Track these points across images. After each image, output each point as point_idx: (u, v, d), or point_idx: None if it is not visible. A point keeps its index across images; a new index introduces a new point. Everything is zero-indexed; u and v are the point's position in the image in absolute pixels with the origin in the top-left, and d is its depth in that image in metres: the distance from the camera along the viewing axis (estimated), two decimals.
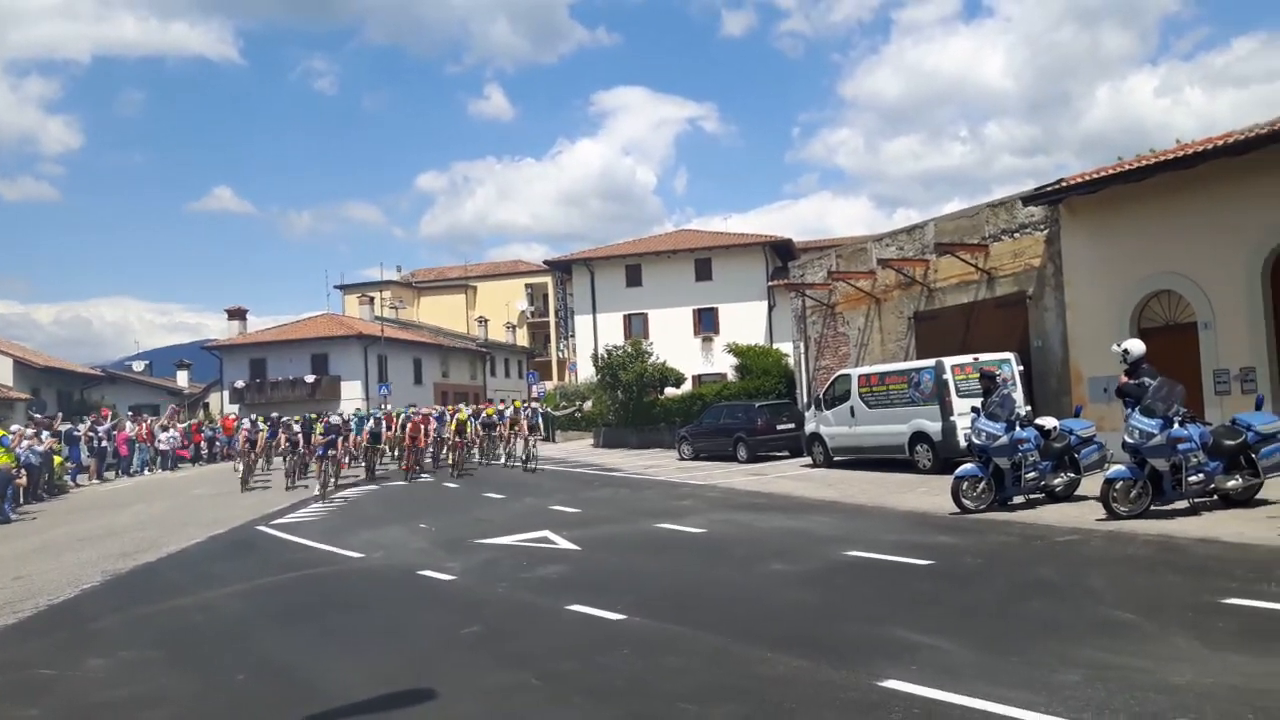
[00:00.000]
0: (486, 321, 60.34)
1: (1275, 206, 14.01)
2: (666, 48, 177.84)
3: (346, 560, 11.68)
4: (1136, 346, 11.34)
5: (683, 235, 46.69)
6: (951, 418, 16.73)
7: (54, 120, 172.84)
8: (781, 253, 41.30)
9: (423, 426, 24.40)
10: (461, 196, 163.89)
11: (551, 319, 63.30)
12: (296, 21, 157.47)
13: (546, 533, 12.55)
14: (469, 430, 25.51)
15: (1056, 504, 12.21)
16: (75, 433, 28.78)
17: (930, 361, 17.78)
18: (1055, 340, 18.08)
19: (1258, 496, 10.64)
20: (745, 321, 39.64)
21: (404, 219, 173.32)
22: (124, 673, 6.83)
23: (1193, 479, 10.23)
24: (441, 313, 61.51)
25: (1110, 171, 16.12)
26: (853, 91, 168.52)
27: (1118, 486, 10.62)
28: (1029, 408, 14.91)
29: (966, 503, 12.08)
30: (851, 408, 19.40)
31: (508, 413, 27.92)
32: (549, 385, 49.70)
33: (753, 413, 24.35)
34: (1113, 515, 10.52)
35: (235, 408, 43.66)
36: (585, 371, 40.89)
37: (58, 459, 25.53)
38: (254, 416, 26.10)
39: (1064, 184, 16.95)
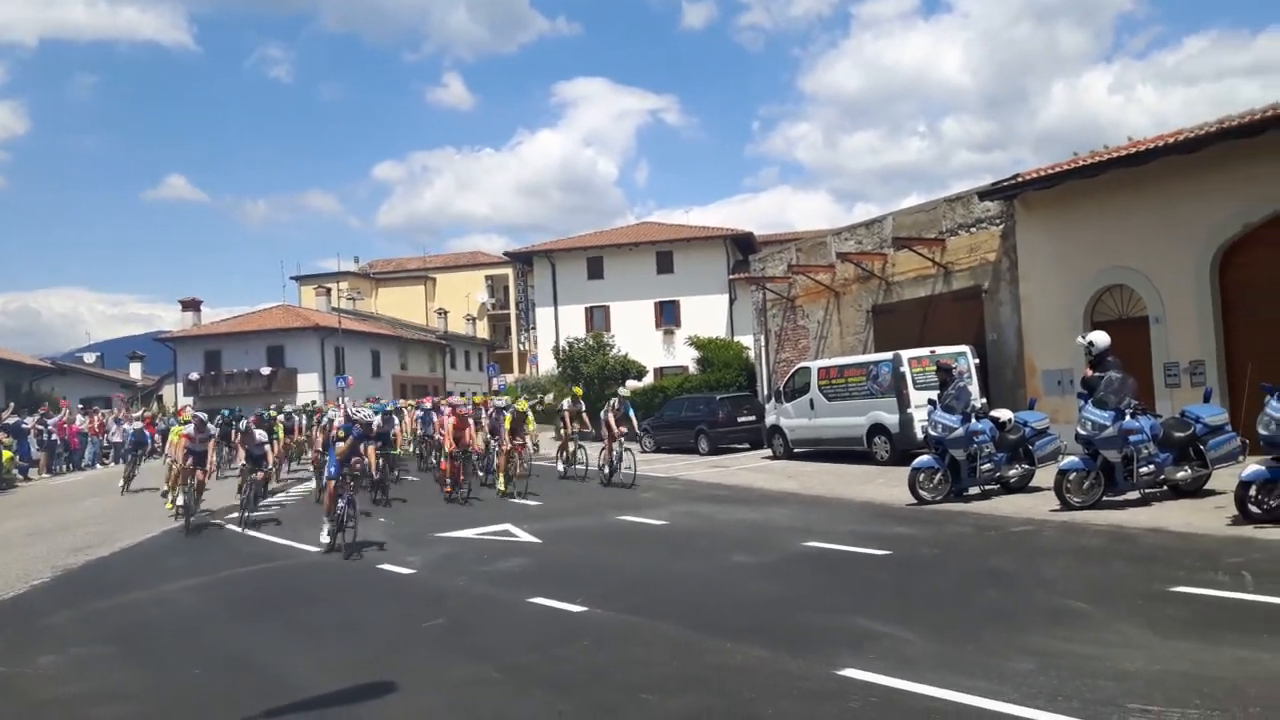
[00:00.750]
0: (446, 313, 59.93)
1: (1223, 203, 14.33)
2: (627, 39, 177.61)
3: (305, 554, 11.57)
4: (1101, 339, 11.55)
5: (644, 228, 46.71)
6: (909, 410, 16.92)
7: None
8: (742, 246, 41.46)
9: (469, 425, 17.27)
10: (420, 186, 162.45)
11: (512, 311, 63.16)
12: (251, 7, 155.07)
13: (507, 525, 12.52)
14: (527, 426, 17.91)
15: (1011, 495, 12.41)
16: (24, 425, 28.18)
17: (888, 355, 17.97)
18: (1010, 333, 18.35)
19: (1206, 487, 10.88)
20: (706, 314, 39.78)
21: (361, 209, 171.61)
22: (76, 669, 6.71)
23: (1144, 470, 10.44)
24: (400, 304, 61.01)
25: (1065, 168, 16.37)
26: (812, 86, 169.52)
27: (1071, 478, 10.82)
28: (984, 400, 15.12)
29: (923, 494, 12.23)
30: (811, 400, 19.54)
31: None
32: (510, 378, 49.52)
33: (714, 405, 24.44)
34: (1066, 506, 10.72)
35: (190, 400, 43.01)
36: (546, 364, 40.81)
37: (6, 454, 24.97)
38: (201, 415, 16.21)
39: (1019, 179, 17.19)
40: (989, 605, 6.82)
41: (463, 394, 30.15)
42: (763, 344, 26.70)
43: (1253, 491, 9.00)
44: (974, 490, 12.47)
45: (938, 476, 12.32)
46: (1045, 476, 12.10)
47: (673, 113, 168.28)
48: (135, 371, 53.53)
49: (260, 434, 15.81)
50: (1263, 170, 13.76)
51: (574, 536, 11.73)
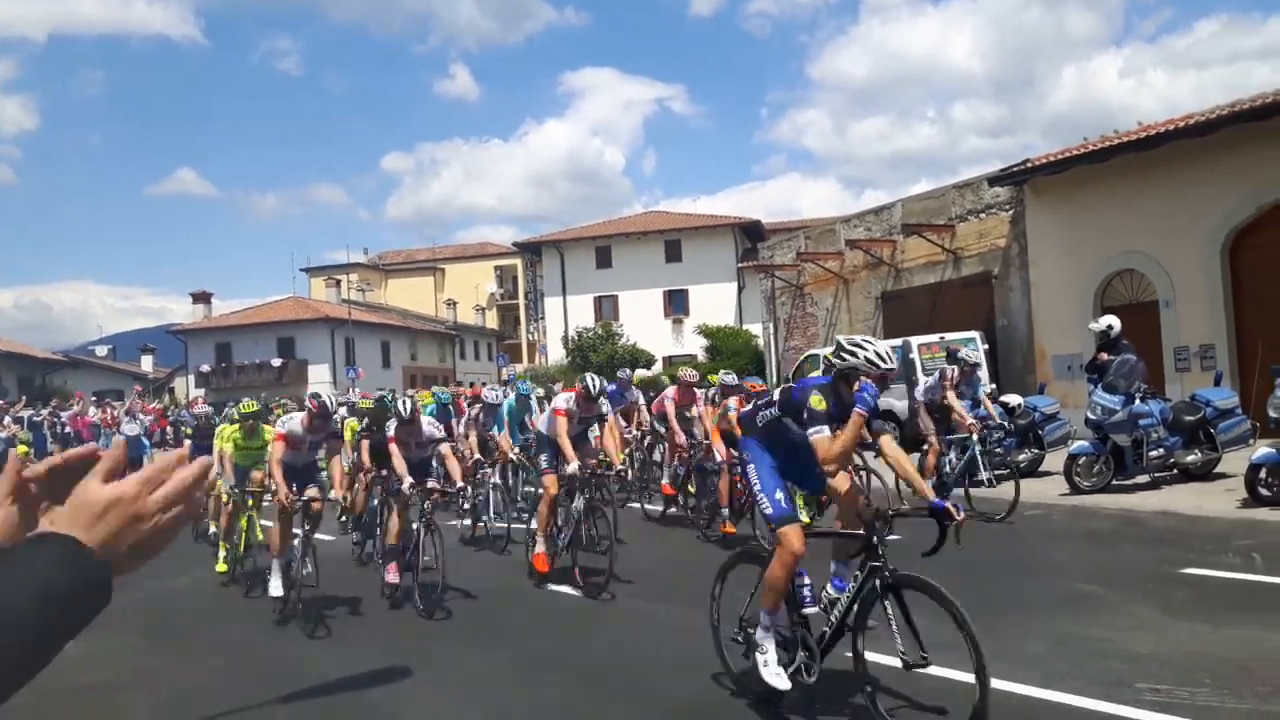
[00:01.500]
0: (455, 304, 59.98)
1: (1234, 187, 14.29)
2: (634, 28, 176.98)
3: (320, 544, 11.63)
4: (1116, 323, 11.59)
5: (652, 217, 46.68)
6: (918, 397, 16.88)
7: (9, 101, 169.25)
8: (751, 234, 41.42)
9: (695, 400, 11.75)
10: (428, 178, 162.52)
11: (521, 301, 63.20)
12: (259, 0, 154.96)
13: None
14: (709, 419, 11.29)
15: (1021, 479, 12.40)
16: (36, 418, 28.35)
17: (897, 341, 17.95)
18: (1020, 319, 18.33)
19: (1216, 470, 10.90)
20: (715, 303, 39.79)
21: (370, 201, 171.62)
22: (103, 657, 6.81)
23: (1154, 454, 10.45)
24: (409, 295, 61.05)
25: (1074, 153, 16.33)
26: (820, 72, 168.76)
27: (1080, 462, 10.83)
28: (994, 386, 15.09)
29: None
30: None
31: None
32: (519, 368, 49.63)
33: None
34: (1075, 490, 10.73)
35: (201, 391, 43.21)
36: (555, 354, 40.89)
37: (22, 448, 25.12)
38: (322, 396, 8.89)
39: (1029, 164, 17.16)
40: (1001, 589, 6.86)
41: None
42: (771, 332, 26.70)
43: (1263, 474, 9.01)
44: (983, 476, 12.45)
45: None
46: (1055, 461, 12.10)
47: (680, 101, 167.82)
48: (147, 364, 53.74)
49: (430, 426, 8.93)
50: (1273, 154, 13.71)
51: None
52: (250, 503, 9.23)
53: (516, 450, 11.39)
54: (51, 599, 0.84)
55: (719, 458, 9.97)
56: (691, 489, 10.98)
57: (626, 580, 7.65)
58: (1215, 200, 14.53)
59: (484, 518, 11.07)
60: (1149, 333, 15.03)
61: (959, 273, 19.80)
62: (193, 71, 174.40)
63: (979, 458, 10.50)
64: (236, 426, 9.67)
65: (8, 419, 25.56)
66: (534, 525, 8.43)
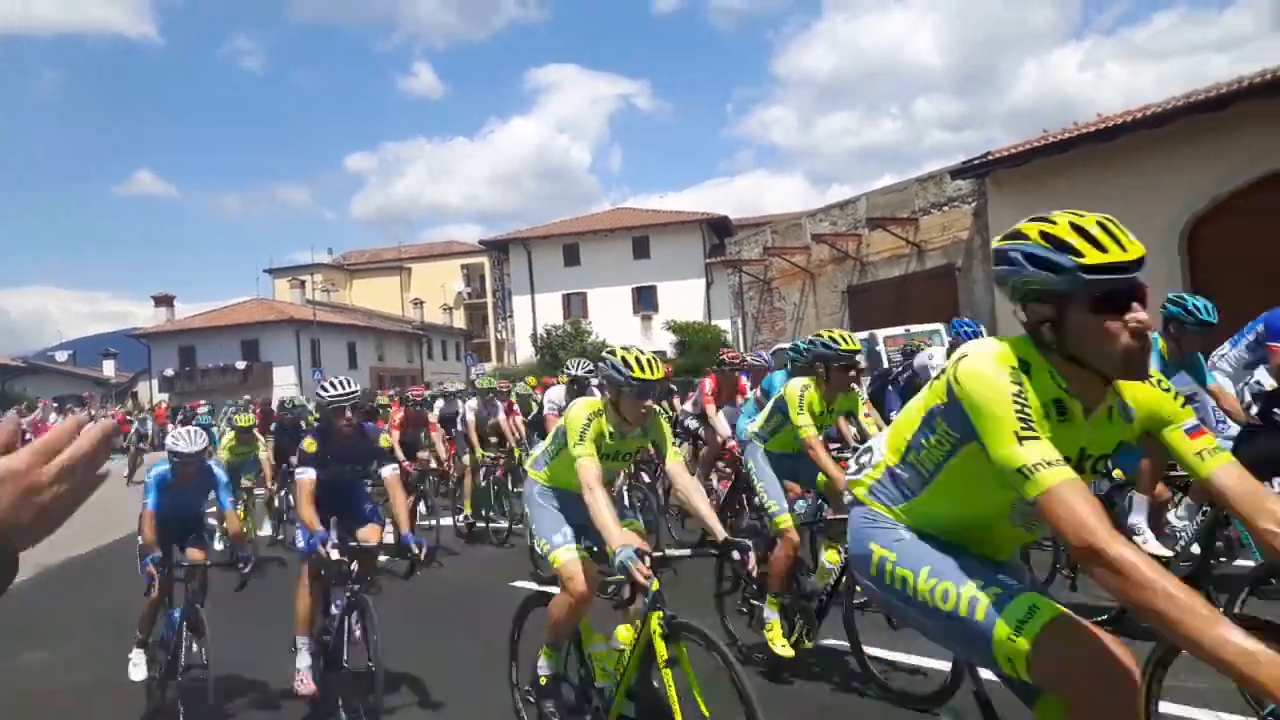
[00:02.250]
0: (422, 303, 59.69)
1: (1191, 176, 14.56)
2: (599, 23, 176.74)
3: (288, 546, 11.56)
4: None
5: (620, 214, 46.71)
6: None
7: None
8: (718, 230, 41.57)
9: None
10: (392, 177, 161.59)
11: (489, 300, 62.97)
12: None
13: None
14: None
15: None
16: None
17: (863, 334, 18.10)
18: (983, 311, 18.54)
19: None
20: (684, 299, 39.90)
21: (334, 201, 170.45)
22: (67, 663, 6.73)
23: None
24: (375, 295, 60.68)
25: (1034, 145, 16.56)
26: (786, 68, 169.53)
27: None
28: None
29: None
30: None
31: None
32: (488, 367, 49.48)
33: None
34: None
35: (165, 396, 42.71)
36: (525, 352, 40.82)
37: None
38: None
39: (990, 157, 17.37)
40: None
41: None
42: (740, 326, 26.83)
43: None
44: None
45: None
46: None
47: (645, 97, 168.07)
48: (109, 369, 53.03)
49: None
50: (1229, 144, 13.98)
51: None
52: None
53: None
54: None
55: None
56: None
57: None
58: (1173, 190, 14.79)
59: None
60: None
61: (923, 265, 20.01)
62: (150, 71, 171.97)
63: None
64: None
65: None
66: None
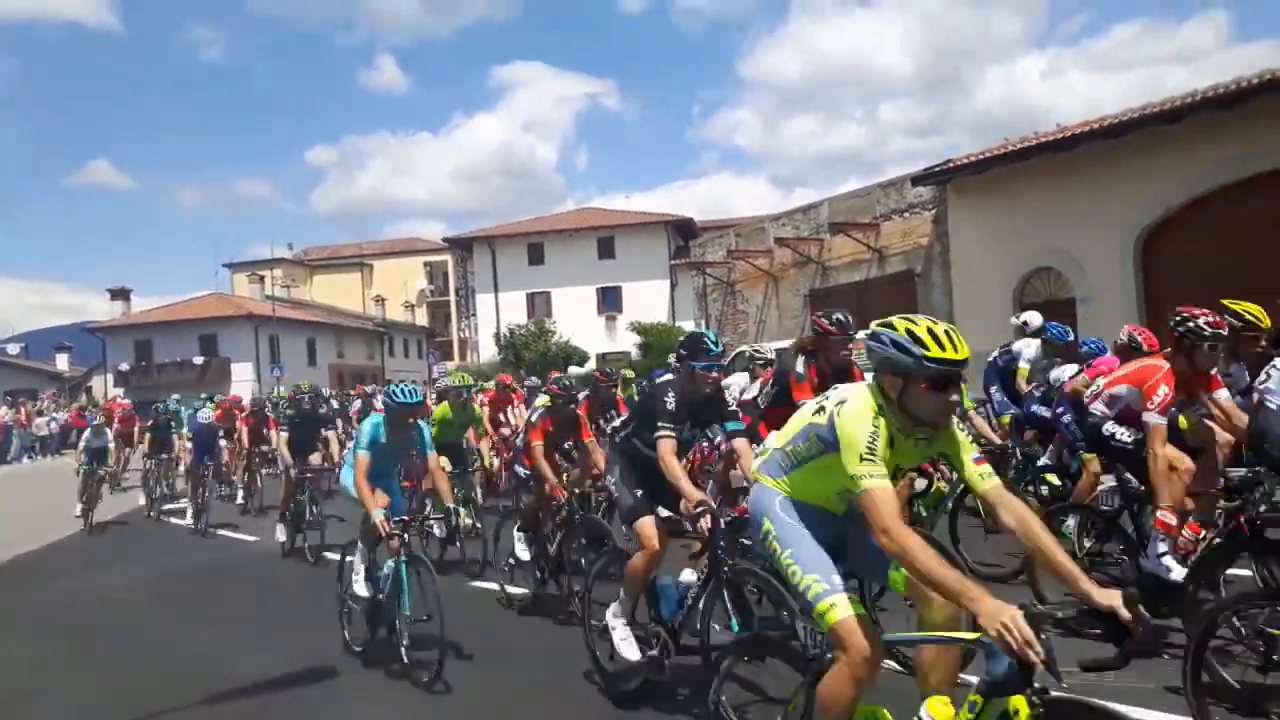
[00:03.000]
0: (384, 301, 59.21)
1: (1146, 187, 14.82)
2: (565, 21, 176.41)
3: (244, 545, 11.43)
4: (1035, 319, 11.90)
5: (585, 214, 46.66)
6: None
7: None
8: (683, 231, 41.66)
9: None
10: (354, 171, 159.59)
11: (452, 298, 62.57)
12: None
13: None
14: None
15: None
16: None
17: None
18: (942, 316, 18.68)
19: None
20: (648, 300, 39.95)
21: (294, 195, 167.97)
22: (11, 664, 6.60)
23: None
24: (336, 292, 60.06)
25: (994, 153, 16.77)
26: (751, 71, 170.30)
27: None
28: None
29: None
30: None
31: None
32: (450, 365, 49.20)
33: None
34: None
35: (120, 391, 41.98)
36: (488, 351, 40.63)
37: None
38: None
39: (950, 164, 17.57)
40: None
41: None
42: (704, 328, 26.92)
43: None
44: None
45: None
46: None
47: (612, 97, 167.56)
48: (62, 363, 52.02)
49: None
50: (1183, 155, 14.25)
51: None
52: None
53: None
54: None
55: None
56: None
57: None
58: (1129, 200, 15.05)
59: None
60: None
61: (883, 270, 20.20)
62: (110, 60, 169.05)
63: None
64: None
65: None
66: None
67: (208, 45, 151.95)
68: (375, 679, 5.61)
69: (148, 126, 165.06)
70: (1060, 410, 6.94)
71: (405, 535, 5.66)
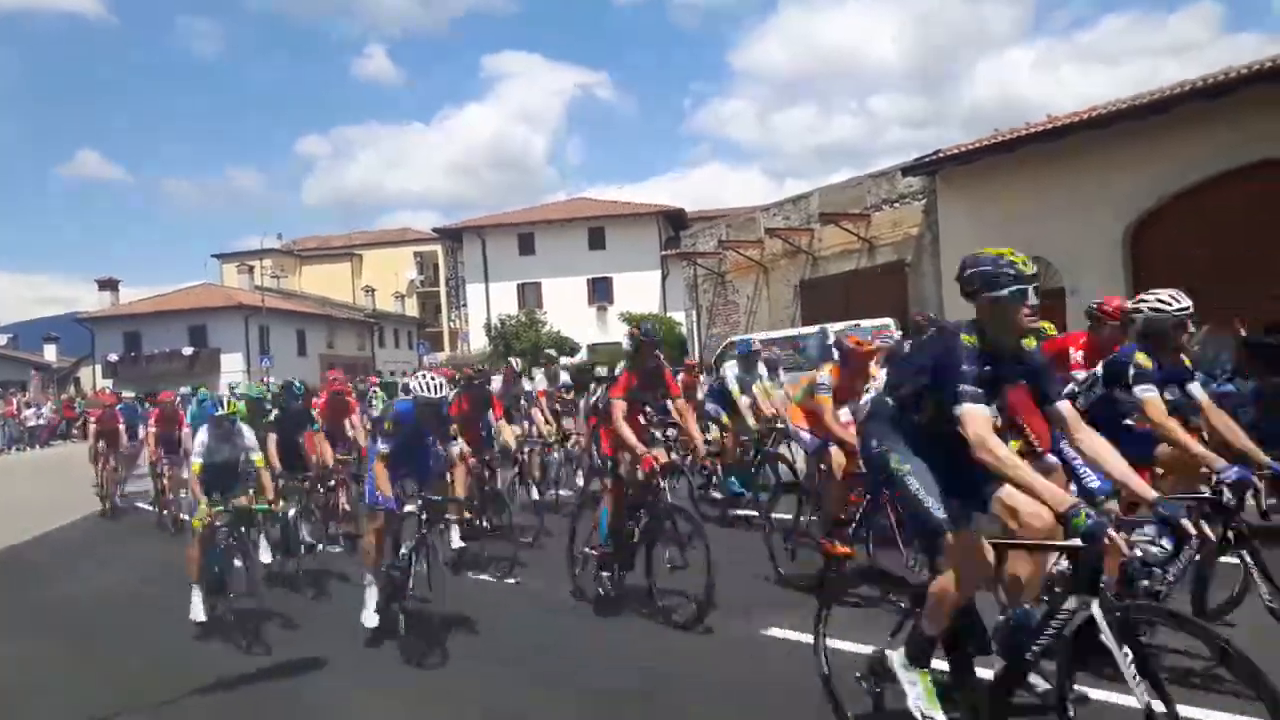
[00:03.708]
0: (374, 291, 59.07)
1: (1135, 177, 14.86)
2: (557, 13, 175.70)
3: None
4: None
5: (576, 204, 46.62)
6: None
7: None
8: (674, 222, 41.67)
9: None
10: (345, 162, 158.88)
11: (442, 288, 62.42)
12: None
13: None
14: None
15: None
16: None
17: (815, 328, 18.26)
18: (932, 307, 18.77)
19: None
20: (639, 290, 39.94)
21: (285, 185, 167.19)
22: (10, 663, 6.58)
23: None
24: (326, 282, 59.88)
25: (984, 144, 16.78)
26: (744, 62, 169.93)
27: None
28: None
29: None
30: None
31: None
32: (440, 356, 49.11)
33: None
34: None
35: (109, 382, 41.81)
36: (478, 341, 40.58)
37: None
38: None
39: (940, 155, 17.58)
40: None
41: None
42: (695, 319, 26.92)
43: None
44: None
45: None
46: None
47: (604, 88, 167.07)
48: (50, 353, 51.77)
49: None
50: (1171, 146, 14.28)
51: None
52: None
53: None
54: None
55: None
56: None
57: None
58: (1118, 190, 15.08)
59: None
60: (1055, 319, 15.45)
61: (874, 261, 20.21)
62: (103, 50, 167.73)
63: None
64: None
65: None
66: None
67: (198, 36, 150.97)
68: (381, 675, 5.60)
69: (137, 117, 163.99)
70: None
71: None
